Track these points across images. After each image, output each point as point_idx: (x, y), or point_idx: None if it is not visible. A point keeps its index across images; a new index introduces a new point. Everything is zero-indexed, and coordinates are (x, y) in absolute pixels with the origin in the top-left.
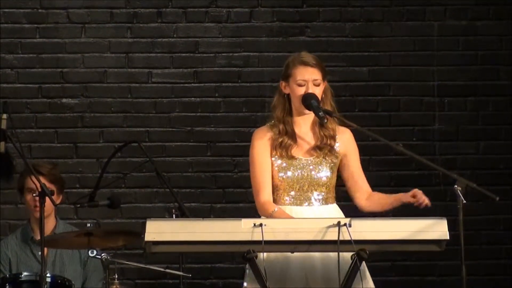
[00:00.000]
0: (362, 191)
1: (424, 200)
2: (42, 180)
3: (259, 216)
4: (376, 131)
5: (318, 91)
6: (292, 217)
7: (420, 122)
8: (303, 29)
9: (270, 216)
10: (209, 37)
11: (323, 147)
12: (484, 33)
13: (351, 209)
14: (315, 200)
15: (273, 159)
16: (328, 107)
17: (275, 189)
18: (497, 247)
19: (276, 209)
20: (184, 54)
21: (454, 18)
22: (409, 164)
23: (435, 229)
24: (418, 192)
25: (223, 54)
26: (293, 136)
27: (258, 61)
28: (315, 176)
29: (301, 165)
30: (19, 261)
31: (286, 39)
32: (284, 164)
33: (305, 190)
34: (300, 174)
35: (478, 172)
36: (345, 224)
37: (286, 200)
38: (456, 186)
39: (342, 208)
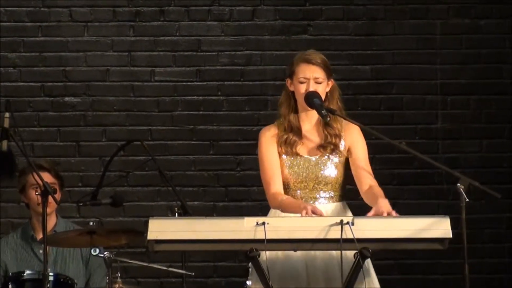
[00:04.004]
0: (365, 183)
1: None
2: (46, 175)
3: (262, 214)
4: (379, 129)
5: (320, 89)
6: (301, 202)
7: (423, 120)
8: (306, 27)
9: (279, 204)
10: (212, 35)
11: (327, 146)
12: (487, 32)
13: (359, 207)
14: (322, 198)
15: (281, 156)
16: (334, 106)
17: (284, 185)
18: (499, 246)
19: (285, 198)
20: (186, 53)
21: (457, 16)
22: (411, 162)
23: (438, 227)
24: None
25: (226, 52)
26: (298, 133)
27: (261, 60)
28: (320, 175)
29: (306, 164)
30: (19, 260)
31: (289, 38)
32: (290, 162)
33: (311, 189)
34: (305, 173)
35: (481, 171)
36: (348, 223)
37: (295, 196)
38: (459, 184)
39: (350, 206)
